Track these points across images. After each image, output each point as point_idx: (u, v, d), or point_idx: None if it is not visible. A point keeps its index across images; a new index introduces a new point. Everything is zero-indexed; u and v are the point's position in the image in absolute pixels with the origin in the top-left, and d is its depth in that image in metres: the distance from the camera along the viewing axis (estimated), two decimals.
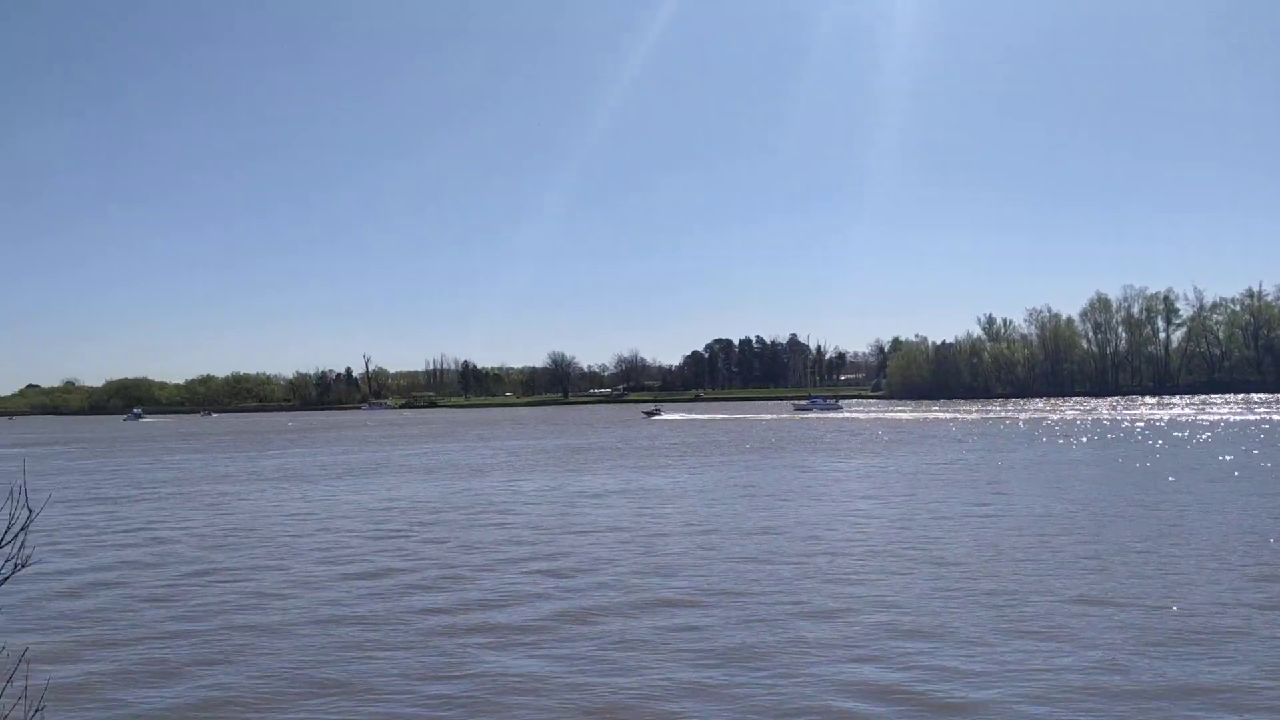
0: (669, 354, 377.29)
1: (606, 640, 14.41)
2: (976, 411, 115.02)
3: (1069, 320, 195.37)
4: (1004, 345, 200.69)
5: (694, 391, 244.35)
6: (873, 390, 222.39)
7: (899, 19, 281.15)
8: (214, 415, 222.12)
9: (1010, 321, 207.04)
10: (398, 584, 19.41)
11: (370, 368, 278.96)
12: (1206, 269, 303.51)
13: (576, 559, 21.69)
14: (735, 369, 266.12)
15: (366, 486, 42.21)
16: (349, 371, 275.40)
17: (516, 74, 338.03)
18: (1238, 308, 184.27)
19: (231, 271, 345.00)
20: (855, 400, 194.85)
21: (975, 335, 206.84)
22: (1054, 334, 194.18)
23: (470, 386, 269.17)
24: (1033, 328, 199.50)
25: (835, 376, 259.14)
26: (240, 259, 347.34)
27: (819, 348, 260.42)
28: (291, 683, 12.93)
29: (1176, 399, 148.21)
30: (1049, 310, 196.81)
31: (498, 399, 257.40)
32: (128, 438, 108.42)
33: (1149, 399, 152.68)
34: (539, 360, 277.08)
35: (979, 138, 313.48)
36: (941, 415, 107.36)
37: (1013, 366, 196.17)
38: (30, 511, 4.95)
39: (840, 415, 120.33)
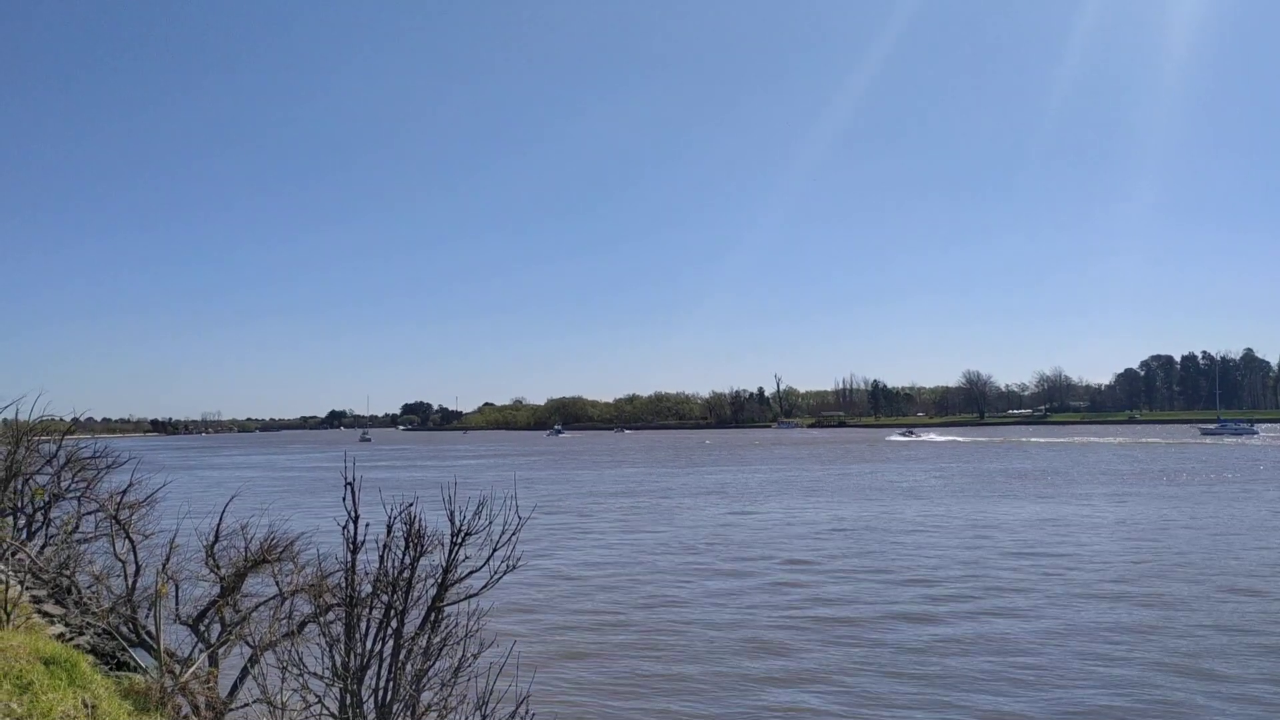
0: (1098, 371, 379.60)
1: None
2: None
3: None
4: None
5: (1128, 413, 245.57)
6: None
7: None
8: (626, 432, 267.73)
9: None
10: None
11: (781, 387, 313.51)
12: None
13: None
14: (1177, 388, 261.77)
15: (812, 504, 48.15)
16: (760, 391, 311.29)
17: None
18: None
19: (648, 293, 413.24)
20: None
21: None
22: None
23: (880, 406, 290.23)
24: None
25: None
26: (656, 280, 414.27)
27: None
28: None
29: None
30: None
31: (909, 419, 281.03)
32: (560, 451, 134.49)
33: None
34: (952, 379, 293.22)
35: None
36: None
37: None
38: (520, 518, 6.02)
39: (1256, 441, 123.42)
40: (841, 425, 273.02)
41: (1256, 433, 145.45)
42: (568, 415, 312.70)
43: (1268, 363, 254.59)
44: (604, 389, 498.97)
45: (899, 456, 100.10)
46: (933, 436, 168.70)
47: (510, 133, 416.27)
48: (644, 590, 25.02)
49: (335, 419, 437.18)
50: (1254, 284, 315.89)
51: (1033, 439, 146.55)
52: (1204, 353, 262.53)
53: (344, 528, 5.87)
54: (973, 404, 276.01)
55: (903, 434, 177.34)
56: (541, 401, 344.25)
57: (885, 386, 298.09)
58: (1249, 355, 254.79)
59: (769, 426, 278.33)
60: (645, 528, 39.31)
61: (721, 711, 14.86)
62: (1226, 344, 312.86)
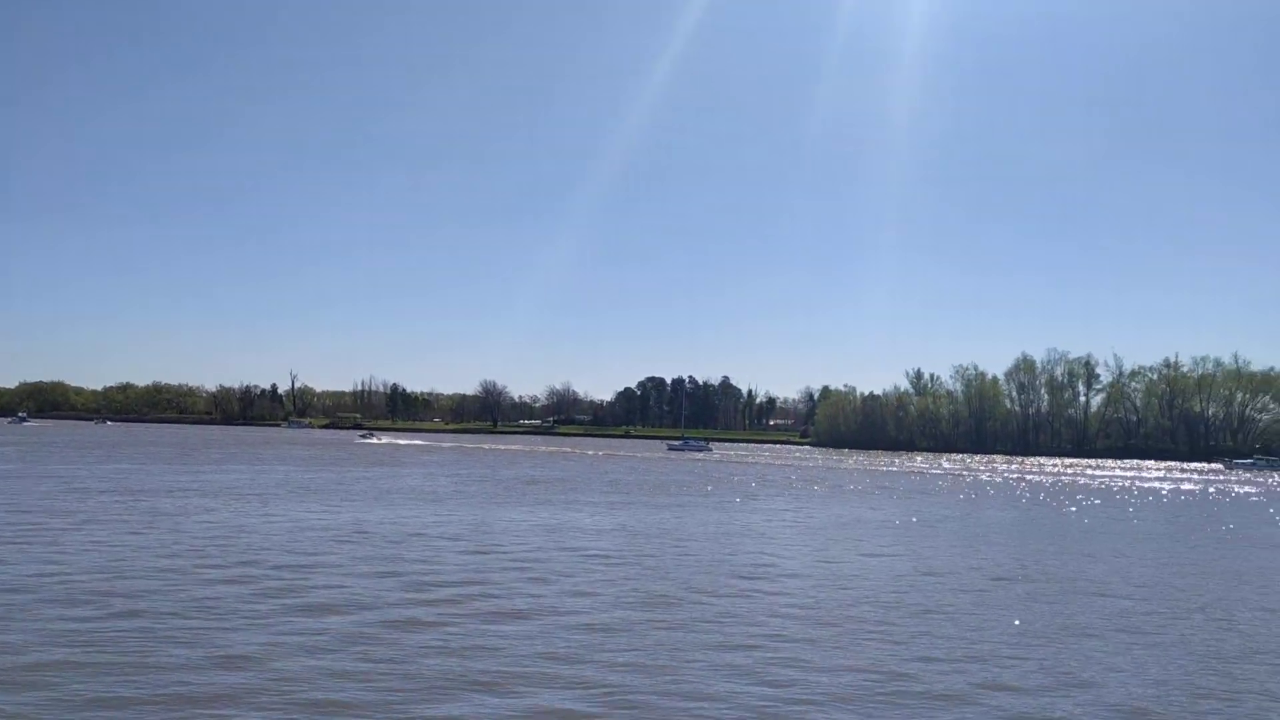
0: (603, 389, 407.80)
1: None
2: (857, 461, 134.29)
3: (994, 379, 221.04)
4: (930, 400, 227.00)
5: (624, 428, 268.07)
6: (801, 437, 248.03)
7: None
8: (109, 423, 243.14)
9: (937, 377, 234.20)
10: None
11: (296, 385, 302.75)
12: (1128, 337, 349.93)
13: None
14: (667, 408, 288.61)
15: (312, 506, 44.51)
16: (274, 388, 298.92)
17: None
18: (1155, 376, 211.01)
19: (156, 277, 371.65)
20: (783, 445, 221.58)
21: (903, 389, 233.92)
22: (979, 392, 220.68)
23: (398, 410, 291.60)
24: (959, 385, 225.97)
25: (765, 421, 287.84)
26: (165, 265, 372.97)
27: (750, 391, 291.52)
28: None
29: (1050, 461, 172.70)
30: (975, 369, 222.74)
31: (425, 424, 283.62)
32: (26, 442, 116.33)
33: (1044, 459, 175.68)
34: (470, 387, 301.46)
35: (914, 198, 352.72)
36: (816, 462, 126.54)
37: (938, 422, 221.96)
38: None
39: (710, 457, 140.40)
40: (358, 427, 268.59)
41: (711, 450, 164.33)
42: (45, 402, 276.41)
43: (740, 389, 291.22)
44: (94, 376, 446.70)
45: (383, 461, 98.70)
46: (384, 439, 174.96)
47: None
48: (107, 603, 21.16)
49: None
50: (732, 321, 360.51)
51: (489, 445, 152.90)
52: (690, 378, 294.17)
53: None
54: (488, 412, 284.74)
55: (363, 435, 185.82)
56: (12, 385, 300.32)
57: (404, 391, 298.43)
58: (725, 383, 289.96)
59: (279, 425, 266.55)
60: (108, 530, 33.84)
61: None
62: (709, 371, 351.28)
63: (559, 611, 21.06)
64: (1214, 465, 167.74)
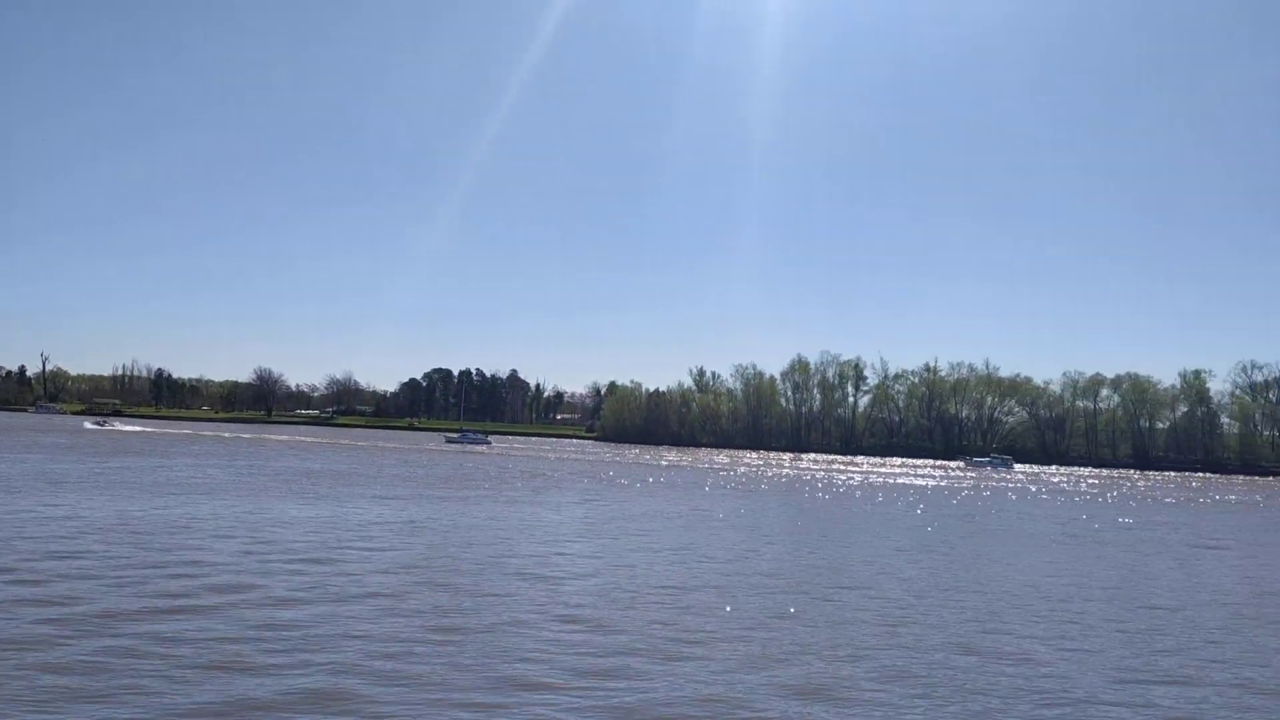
0: (386, 380, 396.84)
1: None
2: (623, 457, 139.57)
3: (771, 379, 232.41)
4: (711, 397, 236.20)
5: (408, 420, 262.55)
6: (587, 431, 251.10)
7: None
8: None
9: (719, 375, 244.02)
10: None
11: (47, 367, 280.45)
12: (895, 339, 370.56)
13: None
14: (453, 400, 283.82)
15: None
16: (22, 370, 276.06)
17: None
18: (916, 380, 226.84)
19: None
20: (567, 439, 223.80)
21: (686, 385, 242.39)
22: (757, 391, 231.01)
23: (162, 397, 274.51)
24: (738, 383, 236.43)
25: (552, 415, 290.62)
26: None
27: (538, 385, 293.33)
28: None
29: (820, 457, 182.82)
30: (754, 368, 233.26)
31: (192, 412, 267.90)
32: None
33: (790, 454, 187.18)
34: (244, 375, 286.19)
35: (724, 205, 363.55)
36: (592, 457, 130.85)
37: (718, 418, 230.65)
38: None
39: (488, 450, 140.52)
40: (117, 414, 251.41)
41: (489, 442, 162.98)
42: None
43: (528, 383, 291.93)
44: None
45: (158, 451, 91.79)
46: (134, 427, 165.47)
47: None
48: None
49: None
50: (526, 315, 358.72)
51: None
52: (477, 370, 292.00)
53: None
54: (262, 401, 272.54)
55: (96, 421, 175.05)
56: None
57: (170, 376, 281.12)
58: (514, 376, 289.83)
59: (25, 410, 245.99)
60: None
61: None
62: (499, 364, 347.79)
63: (285, 605, 20.40)
64: (957, 462, 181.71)
